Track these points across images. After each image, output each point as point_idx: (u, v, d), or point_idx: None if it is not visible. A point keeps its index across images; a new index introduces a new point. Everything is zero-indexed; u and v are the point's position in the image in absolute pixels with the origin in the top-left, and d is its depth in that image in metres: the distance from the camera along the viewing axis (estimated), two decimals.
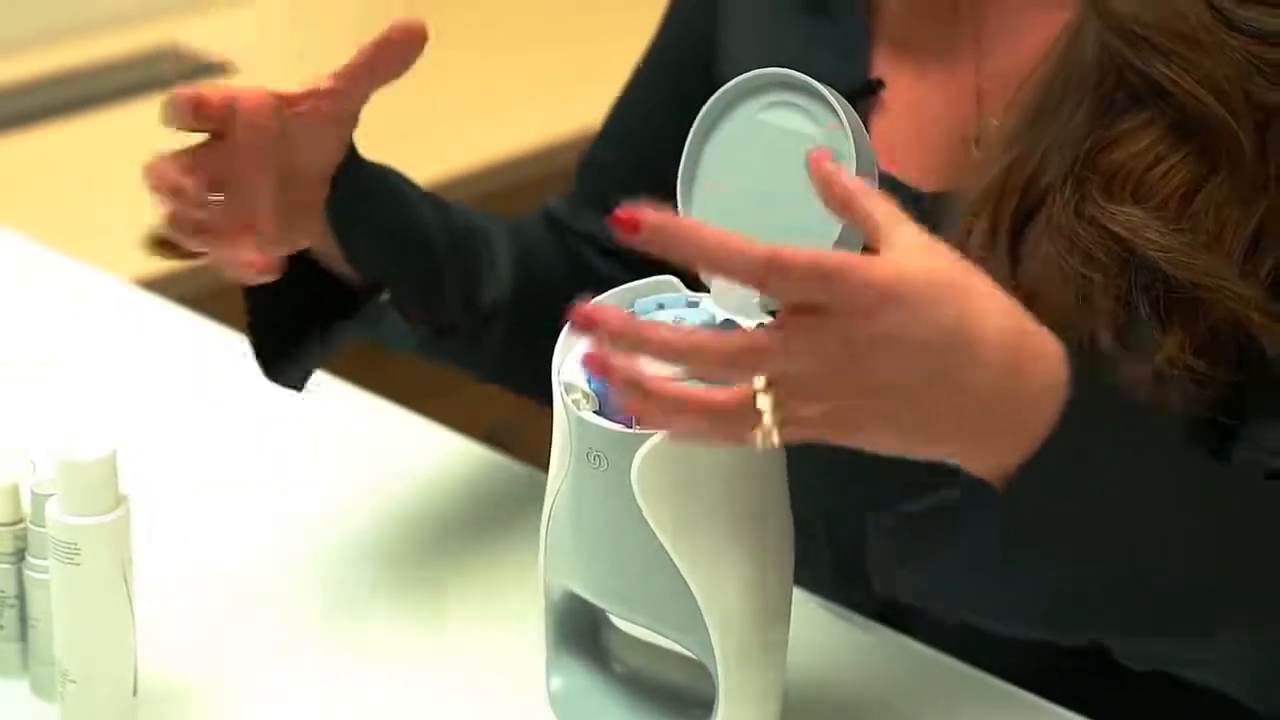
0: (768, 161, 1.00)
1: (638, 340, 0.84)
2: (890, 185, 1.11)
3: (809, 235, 0.98)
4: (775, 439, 0.87)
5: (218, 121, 1.07)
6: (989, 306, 0.89)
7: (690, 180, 1.03)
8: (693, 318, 1.01)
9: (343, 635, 1.19)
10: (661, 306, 1.03)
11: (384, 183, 1.20)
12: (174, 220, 1.07)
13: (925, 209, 1.09)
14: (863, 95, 1.15)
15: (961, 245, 1.04)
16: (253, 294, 1.16)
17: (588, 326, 0.84)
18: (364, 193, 1.16)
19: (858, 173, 0.97)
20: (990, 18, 1.13)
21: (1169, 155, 1.01)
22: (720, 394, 0.86)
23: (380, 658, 1.17)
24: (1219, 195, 1.01)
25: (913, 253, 0.87)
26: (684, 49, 1.28)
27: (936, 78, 1.15)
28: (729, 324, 1.00)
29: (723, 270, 0.86)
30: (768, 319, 1.00)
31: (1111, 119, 1.03)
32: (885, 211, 0.89)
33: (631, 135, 1.32)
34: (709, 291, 1.02)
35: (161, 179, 1.05)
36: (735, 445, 0.89)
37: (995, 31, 1.13)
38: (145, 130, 2.34)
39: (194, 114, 1.06)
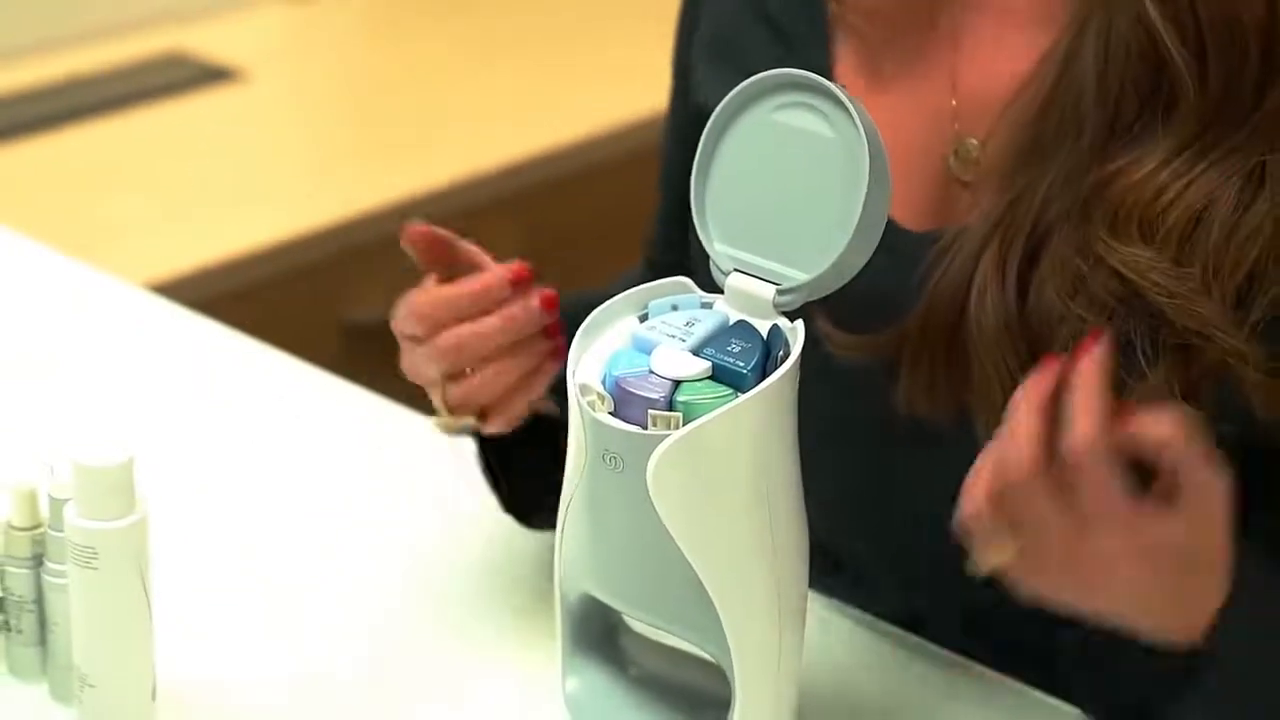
0: (781, 161, 1.01)
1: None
2: None
3: (820, 236, 0.98)
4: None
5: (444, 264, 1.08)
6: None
7: (704, 179, 1.03)
8: (707, 319, 1.01)
9: (359, 638, 1.19)
10: (675, 308, 1.03)
11: None
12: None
13: (910, 248, 1.08)
14: None
15: (943, 279, 1.05)
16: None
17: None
18: None
19: (870, 173, 0.97)
20: (965, 38, 1.12)
21: (1173, 184, 1.00)
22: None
23: (396, 660, 1.17)
24: (1220, 230, 1.00)
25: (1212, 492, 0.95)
26: (695, 112, 1.28)
27: (911, 98, 1.13)
28: (743, 325, 1.00)
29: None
30: (781, 320, 1.00)
31: (1115, 150, 1.02)
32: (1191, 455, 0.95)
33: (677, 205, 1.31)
34: (722, 293, 1.02)
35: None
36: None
37: (972, 50, 1.12)
38: (153, 136, 2.37)
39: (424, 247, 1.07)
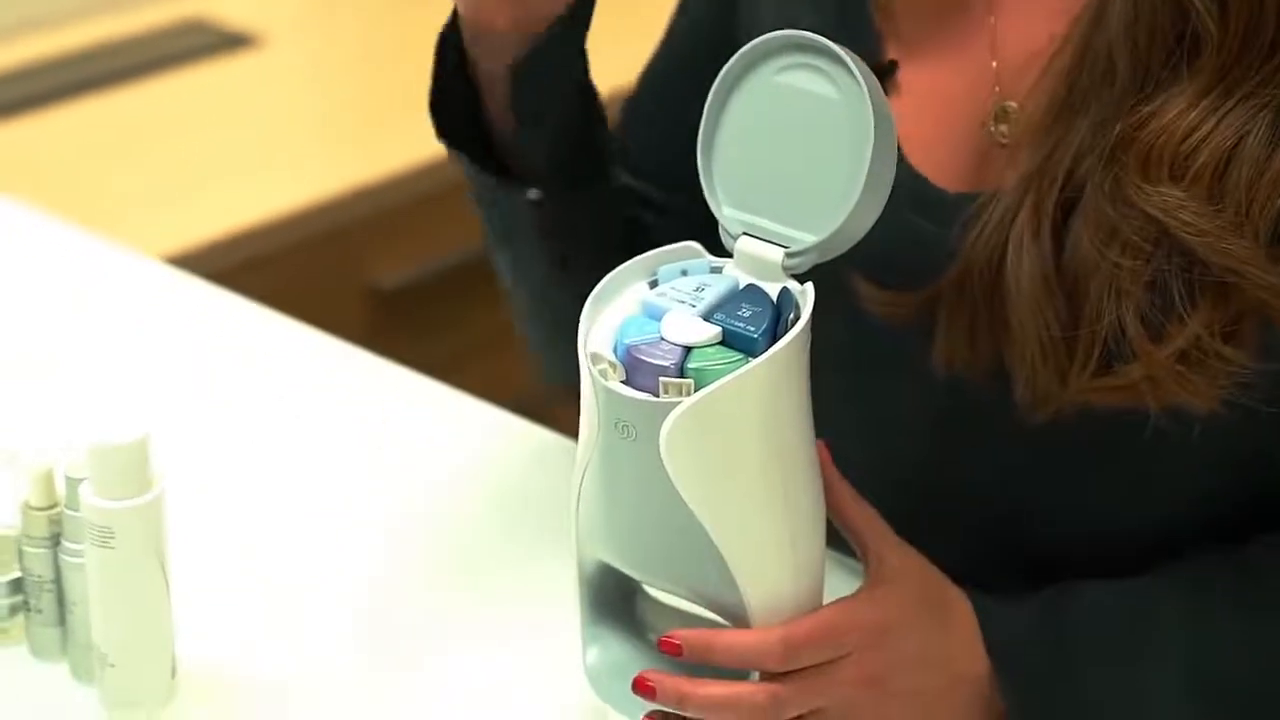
0: (786, 124, 1.00)
1: (680, 698, 1.00)
2: (914, 183, 1.11)
3: (827, 198, 0.98)
4: None
5: None
6: (958, 605, 1.05)
7: (710, 144, 1.02)
8: (717, 283, 1.01)
9: (378, 611, 1.19)
10: (685, 273, 1.02)
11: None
12: None
13: (949, 211, 1.09)
14: (878, 78, 1.14)
15: (979, 237, 1.05)
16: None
17: (644, 692, 1.00)
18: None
19: (875, 134, 0.96)
20: (1004, 1, 1.12)
21: (1201, 124, 1.01)
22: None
23: (415, 632, 1.17)
24: (1250, 168, 1.00)
25: (900, 577, 1.03)
26: (700, 39, 1.27)
27: (953, 63, 1.13)
28: (752, 289, 1.00)
29: (750, 666, 1.00)
30: (791, 283, 0.99)
31: (1145, 95, 1.02)
32: (871, 529, 1.04)
33: (653, 121, 1.31)
34: (732, 257, 1.02)
35: None
36: None
37: (1011, 13, 1.12)
38: (172, 104, 2.36)
39: None
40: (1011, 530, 1.12)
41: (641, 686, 1.00)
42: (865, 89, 0.96)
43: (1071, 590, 1.07)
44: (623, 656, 1.06)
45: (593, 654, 1.07)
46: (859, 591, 1.03)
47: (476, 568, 1.23)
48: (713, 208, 1.02)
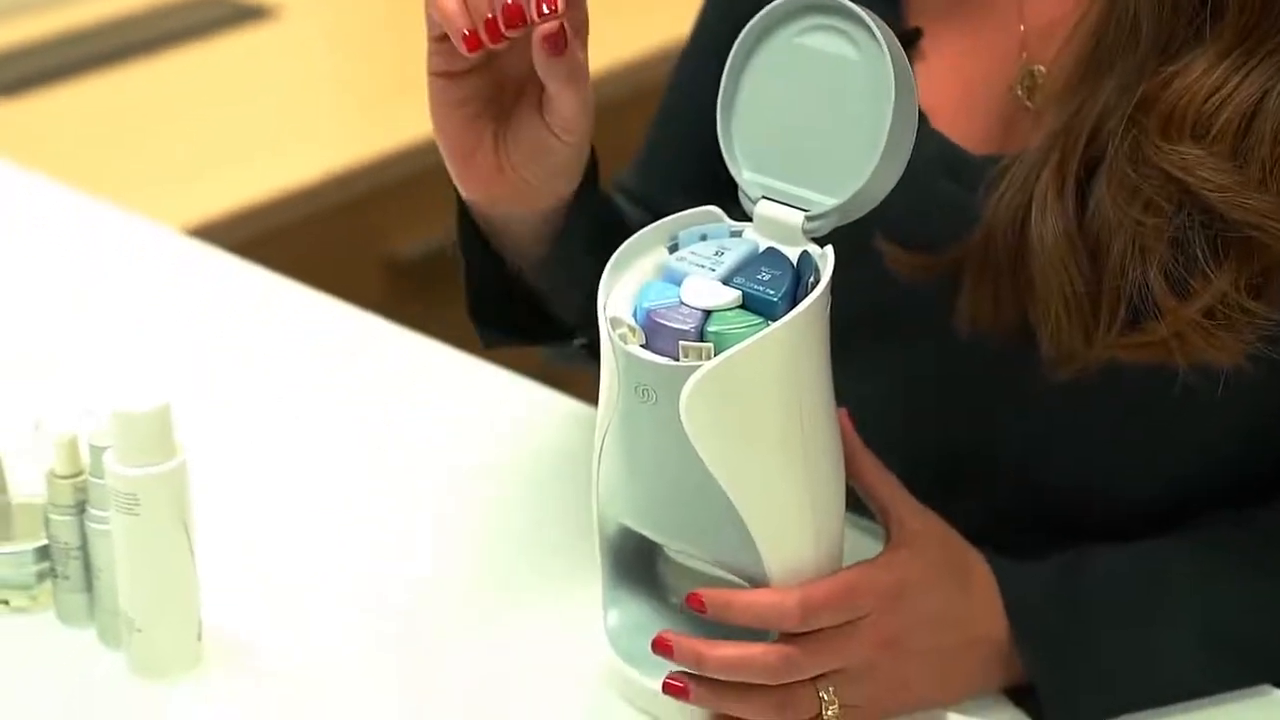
0: (806, 85, 1.00)
1: (697, 657, 1.01)
2: (942, 147, 1.12)
3: (847, 160, 0.98)
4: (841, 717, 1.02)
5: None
6: (978, 568, 1.06)
7: (730, 107, 1.03)
8: (736, 247, 1.01)
9: (398, 577, 1.20)
10: (705, 237, 1.03)
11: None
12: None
13: (976, 173, 1.09)
14: (902, 45, 1.15)
15: (1003, 197, 1.06)
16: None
17: (663, 651, 1.02)
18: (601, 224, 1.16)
19: (896, 94, 0.96)
20: None
21: (1225, 83, 1.01)
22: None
23: (435, 596, 1.18)
24: (1273, 123, 1.00)
25: (920, 540, 1.04)
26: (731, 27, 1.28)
27: (978, 28, 1.14)
28: (772, 253, 1.00)
29: (769, 628, 1.01)
30: (811, 246, 1.00)
31: (1169, 56, 1.03)
32: (892, 494, 1.05)
33: (685, 117, 1.31)
34: (751, 221, 1.02)
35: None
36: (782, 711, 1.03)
37: None
38: (187, 77, 2.36)
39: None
40: (1034, 494, 1.12)
41: (660, 646, 1.01)
42: (885, 48, 0.96)
43: (1088, 553, 1.08)
44: (643, 618, 1.07)
45: (614, 615, 1.08)
46: (878, 555, 1.04)
47: (499, 532, 1.24)
48: (732, 171, 1.02)
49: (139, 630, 1.09)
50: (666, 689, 1.02)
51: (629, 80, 2.30)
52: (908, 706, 1.05)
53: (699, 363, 0.96)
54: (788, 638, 1.01)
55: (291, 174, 2.05)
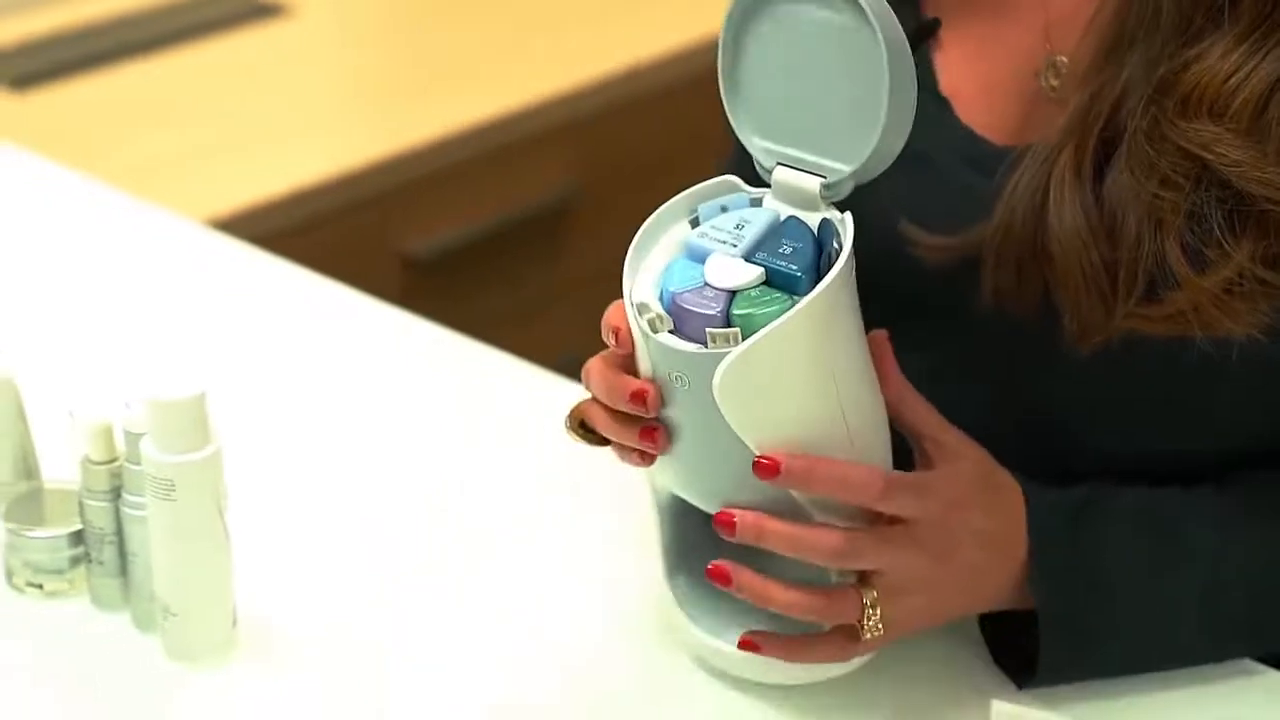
0: (802, 54, 1.00)
1: (759, 532, 1.02)
2: (964, 137, 1.14)
3: (853, 124, 0.99)
4: (880, 633, 1.04)
5: None
6: (1012, 488, 1.08)
7: (733, 76, 1.03)
8: (756, 217, 1.02)
9: (431, 563, 1.21)
10: (725, 209, 1.04)
11: None
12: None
13: (998, 163, 1.11)
14: (921, 36, 1.16)
15: (1022, 177, 1.08)
16: None
17: (723, 525, 1.02)
18: None
19: (888, 55, 0.97)
20: None
21: (1244, 65, 1.03)
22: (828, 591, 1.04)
23: (467, 582, 1.19)
24: None
25: (962, 455, 1.07)
26: None
27: (1000, 18, 1.16)
28: (793, 222, 1.01)
29: (850, 493, 1.01)
30: (832, 213, 1.01)
31: (1188, 39, 1.05)
32: (931, 420, 1.07)
33: None
34: (770, 188, 1.03)
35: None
36: (844, 649, 1.06)
37: None
38: (204, 72, 2.36)
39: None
40: (1060, 468, 1.13)
41: (722, 519, 1.02)
42: (869, 12, 0.96)
43: (1112, 495, 1.10)
44: (704, 579, 1.08)
45: (676, 581, 1.09)
46: (927, 470, 1.06)
47: (534, 518, 1.25)
48: (742, 139, 1.03)
49: (173, 615, 1.10)
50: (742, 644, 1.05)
51: (655, 76, 2.32)
52: (938, 620, 1.08)
53: (727, 348, 0.97)
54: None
55: (305, 171, 2.06)
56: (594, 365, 1.05)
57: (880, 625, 1.04)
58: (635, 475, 1.09)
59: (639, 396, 1.01)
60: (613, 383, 1.03)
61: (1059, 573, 1.07)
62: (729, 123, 1.04)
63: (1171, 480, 1.11)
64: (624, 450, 1.05)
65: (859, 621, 1.04)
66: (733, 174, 1.06)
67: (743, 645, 1.06)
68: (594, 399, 1.05)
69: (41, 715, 1.09)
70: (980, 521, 1.06)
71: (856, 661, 1.08)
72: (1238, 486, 1.12)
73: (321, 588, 1.19)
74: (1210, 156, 1.03)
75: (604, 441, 1.07)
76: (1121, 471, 1.11)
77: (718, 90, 1.04)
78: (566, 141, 2.27)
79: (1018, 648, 1.11)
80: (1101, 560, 1.08)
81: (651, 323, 1.00)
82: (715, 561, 1.03)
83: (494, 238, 2.19)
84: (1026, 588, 1.07)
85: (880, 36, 0.97)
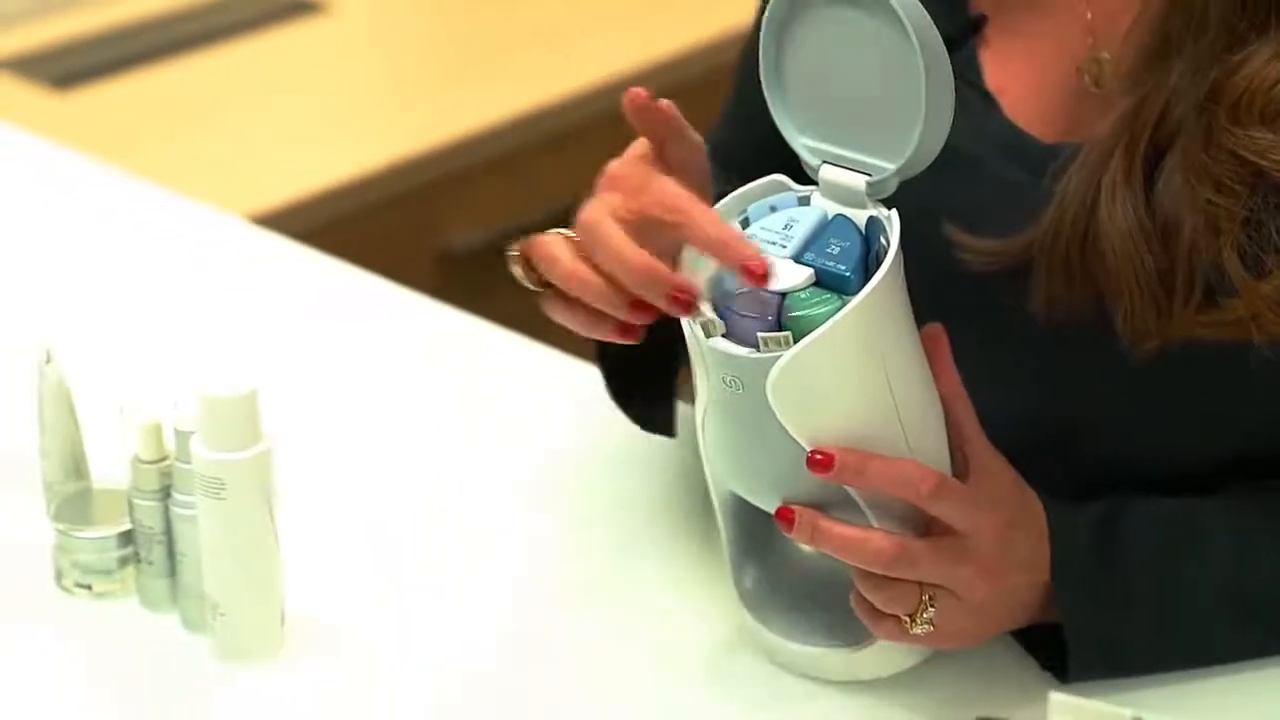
0: (840, 53, 1.01)
1: (814, 530, 1.02)
2: (1010, 134, 1.14)
3: (894, 121, 0.99)
4: (926, 631, 1.04)
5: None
6: (1034, 499, 1.07)
7: (776, 76, 1.03)
8: (804, 216, 1.02)
9: (482, 561, 1.21)
10: (774, 208, 1.04)
11: None
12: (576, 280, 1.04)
13: (1044, 160, 1.11)
14: (965, 33, 1.16)
15: (1073, 182, 1.07)
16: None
17: (783, 521, 1.02)
18: None
19: (923, 52, 0.97)
20: None
21: None
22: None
23: (520, 581, 1.19)
24: None
25: (1004, 475, 1.06)
26: None
27: (1044, 16, 1.16)
28: (840, 220, 1.02)
29: (902, 488, 1.01)
30: (880, 210, 1.01)
31: (1235, 43, 1.05)
32: (972, 429, 1.05)
33: (748, 117, 1.32)
34: (818, 185, 1.03)
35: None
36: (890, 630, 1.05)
37: None
38: (243, 70, 2.37)
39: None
40: (1088, 479, 1.13)
41: (782, 515, 1.02)
42: (899, 10, 0.97)
43: (1128, 509, 1.09)
44: (773, 579, 1.07)
45: (745, 578, 1.09)
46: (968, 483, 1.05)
47: (583, 518, 1.25)
48: (788, 138, 1.04)
49: (222, 615, 1.10)
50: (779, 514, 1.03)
51: (702, 63, 2.32)
52: (979, 639, 1.08)
53: (779, 352, 0.98)
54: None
55: (343, 167, 2.07)
56: (612, 230, 1.01)
57: (930, 624, 1.03)
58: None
59: (683, 294, 0.99)
60: (647, 265, 0.99)
61: (1083, 589, 1.07)
62: (770, 118, 1.04)
63: (1193, 486, 1.11)
64: (597, 320, 1.03)
65: (910, 614, 1.03)
66: (712, 148, 1.07)
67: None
68: (578, 253, 1.02)
69: (91, 717, 1.09)
70: (1023, 542, 1.05)
71: (908, 662, 1.08)
72: (1259, 489, 1.11)
73: (372, 587, 1.18)
74: (1266, 163, 1.02)
75: (545, 286, 1.05)
76: (1147, 479, 1.10)
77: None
78: (604, 135, 2.26)
79: (1045, 640, 1.10)
80: (1125, 571, 1.07)
81: (705, 327, 1.00)
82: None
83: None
84: (1052, 608, 1.07)
85: (911, 33, 0.97)
